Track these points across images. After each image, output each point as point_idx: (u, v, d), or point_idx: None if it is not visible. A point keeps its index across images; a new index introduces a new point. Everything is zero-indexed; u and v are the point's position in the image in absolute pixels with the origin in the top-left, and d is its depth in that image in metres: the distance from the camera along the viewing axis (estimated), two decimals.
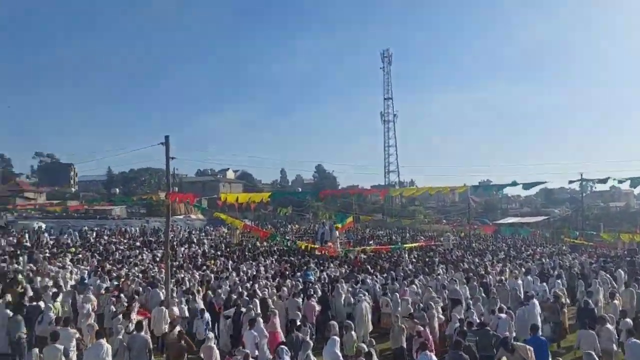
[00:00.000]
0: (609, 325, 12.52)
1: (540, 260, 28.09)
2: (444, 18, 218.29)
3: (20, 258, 22.83)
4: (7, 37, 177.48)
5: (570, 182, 16.28)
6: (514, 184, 14.64)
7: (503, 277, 20.87)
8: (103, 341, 10.28)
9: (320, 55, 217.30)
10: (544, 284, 18.75)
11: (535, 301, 15.34)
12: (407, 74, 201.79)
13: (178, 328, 11.84)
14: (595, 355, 9.85)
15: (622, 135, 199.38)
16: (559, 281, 19.63)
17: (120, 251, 29.73)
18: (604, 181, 16.41)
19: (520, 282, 18.99)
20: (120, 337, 11.06)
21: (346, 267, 25.14)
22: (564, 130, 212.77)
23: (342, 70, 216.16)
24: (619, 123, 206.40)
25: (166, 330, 12.81)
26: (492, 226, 46.23)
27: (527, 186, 15.22)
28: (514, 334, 13.55)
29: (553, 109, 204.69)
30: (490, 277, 21.10)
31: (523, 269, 22.64)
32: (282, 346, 10.59)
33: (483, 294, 17.11)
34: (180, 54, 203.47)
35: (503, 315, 13.53)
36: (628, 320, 13.62)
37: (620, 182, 15.86)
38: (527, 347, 10.38)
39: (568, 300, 17.40)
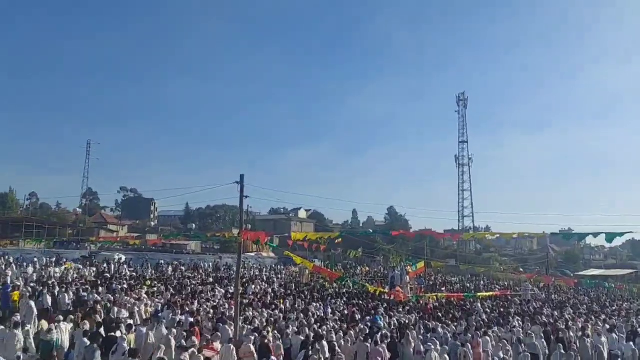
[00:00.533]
0: None
1: (627, 317, 26.04)
2: (522, 59, 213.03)
3: (100, 288, 24.01)
4: (104, 75, 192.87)
5: None
6: (598, 234, 13.76)
7: (585, 333, 19.49)
8: None
9: (394, 97, 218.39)
10: (631, 343, 17.30)
11: None
12: (482, 116, 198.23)
13: None
14: None
15: None
16: None
17: (192, 286, 30.53)
18: None
19: (604, 339, 17.65)
20: None
21: (416, 313, 24.48)
22: None
23: (416, 113, 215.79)
24: None
25: None
26: (573, 278, 43.43)
27: (610, 237, 14.28)
28: None
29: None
30: (571, 332, 19.84)
31: (607, 326, 21.07)
32: None
33: (562, 350, 16.02)
34: (257, 92, 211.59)
35: None
36: None
37: None
38: None
39: None
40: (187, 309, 20.57)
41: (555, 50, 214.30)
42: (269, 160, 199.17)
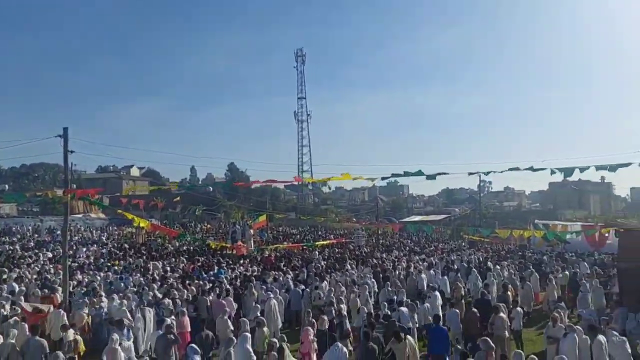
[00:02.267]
0: (502, 314, 13.46)
1: (443, 255, 29.77)
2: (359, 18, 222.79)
3: None
4: None
5: (470, 174, 17.24)
6: (419, 173, 15.22)
7: (408, 272, 21.79)
8: None
9: (235, 53, 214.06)
10: (445, 277, 19.80)
11: (437, 293, 16.17)
12: (321, 74, 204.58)
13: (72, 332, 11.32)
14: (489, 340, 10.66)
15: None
16: (459, 275, 20.81)
17: (10, 251, 27.59)
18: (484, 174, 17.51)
19: (423, 275, 19.90)
20: (13, 341, 10.26)
21: (258, 265, 25.06)
22: (467, 129, 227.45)
23: (257, 69, 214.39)
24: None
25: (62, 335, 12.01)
26: (399, 224, 47.96)
27: (430, 177, 15.92)
28: (417, 325, 14.23)
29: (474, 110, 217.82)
30: (397, 271, 22.02)
31: (426, 263, 23.78)
32: (192, 345, 10.36)
33: (389, 287, 17.70)
34: (89, 45, 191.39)
35: (403, 309, 14.06)
36: (518, 309, 14.78)
37: (487, 173, 16.94)
38: (412, 340, 11.01)
39: (464, 292, 18.42)
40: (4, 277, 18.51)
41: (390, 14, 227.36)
42: (101, 116, 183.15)
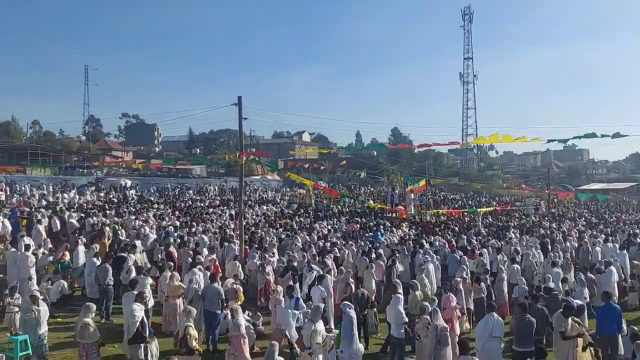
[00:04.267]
0: None
1: (625, 228, 26.68)
2: None
3: (108, 212, 24.59)
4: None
5: None
6: (592, 135, 13.75)
7: (580, 244, 20.05)
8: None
9: (397, 15, 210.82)
10: (625, 251, 17.80)
11: (613, 269, 14.70)
12: (488, 33, 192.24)
13: (231, 280, 12.69)
14: None
15: None
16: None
17: (199, 208, 31.17)
18: None
19: (598, 248, 18.16)
20: (196, 286, 11.86)
21: (415, 229, 25.12)
22: None
23: (420, 31, 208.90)
24: None
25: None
26: (571, 191, 43.85)
27: (604, 136, 14.30)
28: (587, 300, 13.17)
29: None
30: (567, 243, 20.41)
31: (603, 236, 21.61)
32: (346, 301, 10.93)
33: (556, 260, 16.51)
34: (253, 16, 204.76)
35: (572, 282, 13.10)
36: None
37: None
38: (579, 322, 10.10)
39: None
40: (194, 230, 21.10)
41: None
42: (269, 84, 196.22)
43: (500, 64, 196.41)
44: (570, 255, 18.61)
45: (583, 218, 33.12)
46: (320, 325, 9.34)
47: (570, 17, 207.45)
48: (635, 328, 10.64)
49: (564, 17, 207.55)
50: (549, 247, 19.38)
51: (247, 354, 9.67)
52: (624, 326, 11.15)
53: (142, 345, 9.19)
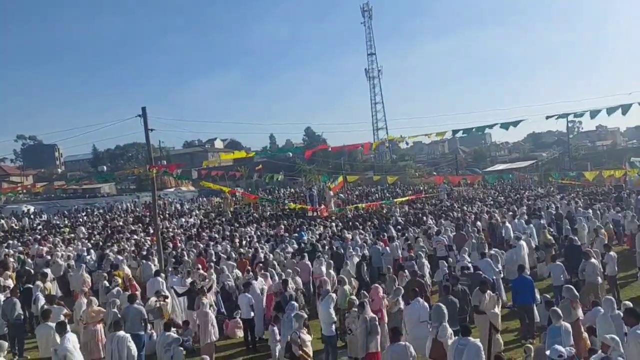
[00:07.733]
0: (593, 260, 12.82)
1: (529, 203, 28.62)
2: None
3: (10, 242, 22.80)
4: None
5: (547, 117, 16.30)
6: (496, 125, 14.66)
7: (491, 222, 21.20)
8: None
9: (299, 16, 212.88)
10: (531, 225, 19.01)
11: (523, 243, 15.61)
12: (388, 28, 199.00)
13: (154, 299, 12.22)
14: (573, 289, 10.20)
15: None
16: (543, 222, 19.89)
17: (112, 227, 29.72)
18: (563, 116, 16.58)
19: (508, 225, 19.25)
20: (115, 310, 11.18)
21: (337, 226, 25.39)
22: (547, 73, 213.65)
23: (322, 30, 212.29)
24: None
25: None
26: (481, 175, 46.46)
27: (505, 125, 15.24)
28: (501, 275, 13.91)
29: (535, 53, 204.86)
30: (479, 222, 21.50)
31: (510, 213, 22.96)
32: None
33: (473, 240, 17.31)
34: (156, 25, 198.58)
35: (486, 259, 13.78)
36: (612, 253, 13.95)
37: (576, 115, 16.11)
38: (493, 294, 10.74)
39: (552, 239, 17.63)
40: (107, 251, 19.98)
41: None
42: (177, 94, 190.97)
43: (403, 56, 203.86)
44: (485, 233, 19.55)
45: (491, 198, 35.08)
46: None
47: (465, 7, 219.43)
48: (548, 296, 11.39)
49: (460, 8, 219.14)
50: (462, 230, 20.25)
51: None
52: (537, 295, 11.89)
53: None
